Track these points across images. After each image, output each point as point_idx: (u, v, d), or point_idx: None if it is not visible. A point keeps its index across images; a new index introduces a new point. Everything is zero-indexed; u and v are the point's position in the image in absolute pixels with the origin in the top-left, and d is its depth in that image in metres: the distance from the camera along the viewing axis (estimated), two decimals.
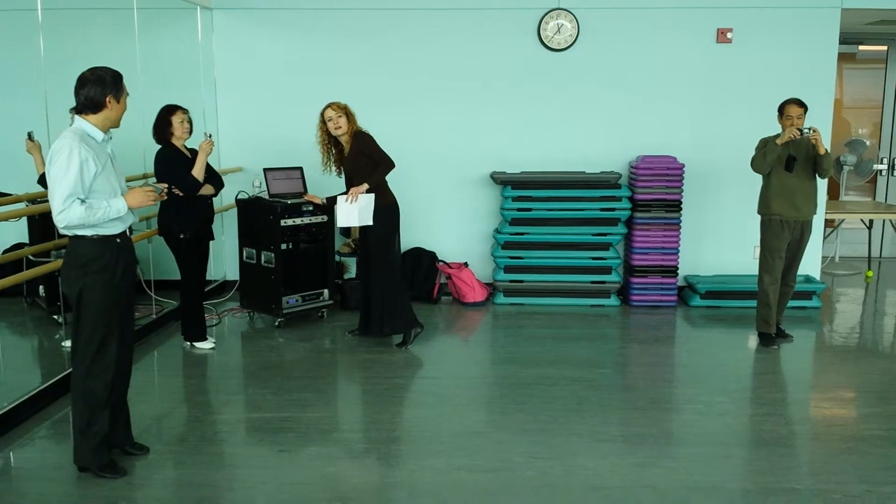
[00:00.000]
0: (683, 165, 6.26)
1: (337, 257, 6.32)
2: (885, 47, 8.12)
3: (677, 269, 6.38)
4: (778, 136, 5.09)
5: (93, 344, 3.33)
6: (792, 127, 5.02)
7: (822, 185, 5.30)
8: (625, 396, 4.52)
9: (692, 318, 6.15)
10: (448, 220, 6.66)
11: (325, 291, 5.92)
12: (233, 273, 6.51)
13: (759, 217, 5.33)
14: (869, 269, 7.59)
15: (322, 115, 5.10)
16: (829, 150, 5.10)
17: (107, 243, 3.32)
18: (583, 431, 3.97)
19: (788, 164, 5.09)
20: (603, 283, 6.37)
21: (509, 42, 6.45)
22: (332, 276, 6.01)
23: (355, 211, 5.06)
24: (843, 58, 8.13)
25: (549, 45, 6.41)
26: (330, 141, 5.17)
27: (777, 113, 5.18)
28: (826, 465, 3.66)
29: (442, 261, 6.56)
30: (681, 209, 6.31)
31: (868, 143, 7.92)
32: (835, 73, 6.45)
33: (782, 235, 5.21)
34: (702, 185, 6.51)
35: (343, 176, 5.27)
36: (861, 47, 8.17)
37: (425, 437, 3.95)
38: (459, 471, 3.56)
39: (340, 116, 5.06)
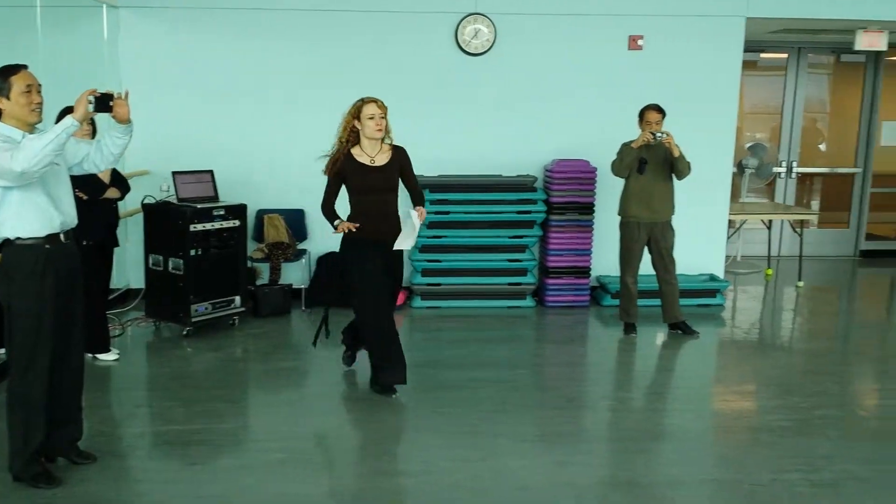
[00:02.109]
0: (596, 169, 6.39)
1: (249, 262, 6.15)
2: (785, 55, 8.51)
3: (590, 269, 6.50)
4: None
5: (24, 351, 3.22)
6: (646, 131, 5.25)
7: (679, 186, 5.61)
8: (543, 396, 4.57)
9: (604, 317, 6.28)
10: None
11: (237, 298, 5.75)
12: (137, 281, 6.25)
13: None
14: (769, 267, 7.94)
15: (360, 109, 4.32)
16: (682, 153, 5.33)
17: (32, 249, 3.18)
18: (506, 432, 3.97)
19: (640, 166, 5.36)
20: (519, 284, 6.43)
21: (427, 46, 6.44)
22: (245, 282, 5.85)
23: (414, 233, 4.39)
24: (745, 65, 8.48)
25: (466, 49, 6.43)
26: (349, 141, 4.36)
27: (638, 118, 5.41)
28: (734, 456, 3.80)
29: None
30: (593, 211, 6.44)
31: (769, 146, 8.29)
32: (739, 79, 6.71)
33: (638, 237, 5.48)
34: (613, 188, 6.62)
35: (349, 183, 4.37)
36: (763, 55, 8.54)
37: (347, 444, 3.90)
38: (384, 476, 3.52)
39: (384, 117, 4.35)
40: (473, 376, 4.80)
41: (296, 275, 6.42)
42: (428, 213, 6.23)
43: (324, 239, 6.50)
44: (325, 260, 6.42)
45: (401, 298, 6.36)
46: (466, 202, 6.31)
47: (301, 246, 6.45)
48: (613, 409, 4.39)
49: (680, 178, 5.44)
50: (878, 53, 8.22)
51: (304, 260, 6.38)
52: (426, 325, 6.04)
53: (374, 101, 4.33)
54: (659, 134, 5.24)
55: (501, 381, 4.72)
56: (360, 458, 3.70)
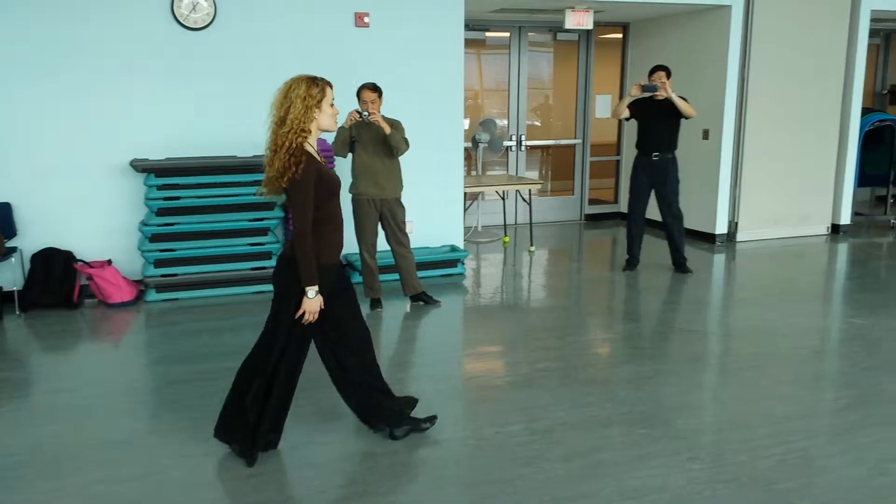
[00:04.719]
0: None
1: None
2: (508, 34, 9.02)
3: None
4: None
5: None
6: (353, 111, 5.38)
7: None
8: None
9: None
10: (84, 215, 6.05)
11: None
12: None
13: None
14: (505, 235, 8.45)
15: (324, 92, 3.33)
16: (394, 131, 5.43)
17: None
18: None
19: (353, 144, 5.50)
20: (263, 269, 6.28)
21: (142, 19, 6.01)
22: None
23: None
24: (476, 44, 8.91)
25: (185, 23, 6.09)
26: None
27: (356, 97, 5.49)
28: (464, 415, 4.00)
29: (81, 260, 5.96)
30: None
31: (499, 122, 8.79)
32: (462, 55, 6.99)
33: (370, 213, 5.62)
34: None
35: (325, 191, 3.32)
36: (488, 33, 8.99)
37: (61, 456, 3.56)
38: (100, 484, 3.27)
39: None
40: (209, 368, 4.61)
41: (5, 276, 5.77)
42: (156, 199, 5.92)
43: (38, 234, 5.92)
44: (41, 257, 5.83)
45: (132, 293, 5.96)
46: (199, 185, 6.02)
47: (10, 243, 5.80)
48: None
49: (395, 154, 5.54)
50: (588, 32, 9.00)
51: (13, 259, 5.73)
52: (163, 318, 5.69)
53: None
54: (365, 113, 5.32)
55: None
56: (74, 469, 3.40)
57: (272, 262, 6.27)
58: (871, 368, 4.57)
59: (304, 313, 3.31)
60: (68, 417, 3.99)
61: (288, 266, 3.33)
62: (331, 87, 3.34)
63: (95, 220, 6.08)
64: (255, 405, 3.40)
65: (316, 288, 3.28)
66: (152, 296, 6.02)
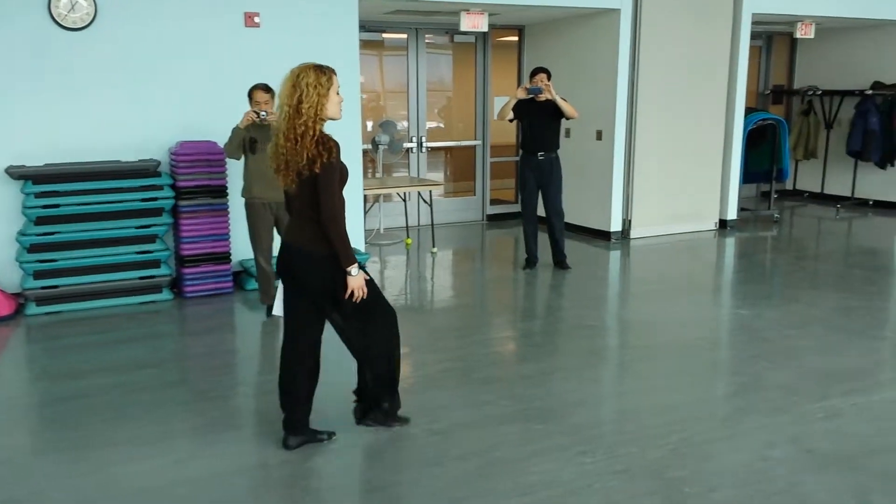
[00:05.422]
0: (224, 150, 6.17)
1: None
2: (405, 35, 8.99)
3: (230, 255, 6.31)
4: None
5: None
6: (250, 111, 5.28)
7: None
8: (171, 393, 4.30)
9: (250, 302, 6.15)
10: None
11: None
12: None
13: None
14: (408, 236, 8.42)
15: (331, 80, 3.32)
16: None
17: None
18: (121, 439, 3.67)
19: (251, 146, 5.38)
20: (152, 277, 6.03)
21: (17, 18, 5.65)
22: None
23: None
24: (374, 45, 8.84)
25: (63, 23, 5.77)
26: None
27: (247, 98, 5.38)
28: None
29: None
30: (227, 194, 6.24)
31: (399, 124, 8.74)
32: (357, 57, 6.90)
33: (266, 216, 5.48)
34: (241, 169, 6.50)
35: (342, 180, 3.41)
36: (384, 35, 8.93)
37: None
38: None
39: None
40: (92, 383, 4.37)
41: None
42: (35, 207, 5.60)
43: None
44: None
45: (10, 307, 5.62)
46: (80, 192, 5.71)
47: None
48: (247, 395, 4.30)
49: None
50: (484, 34, 9.06)
51: None
52: (44, 333, 5.38)
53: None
54: (263, 113, 5.20)
55: (125, 385, 4.36)
56: None
57: (161, 271, 6.04)
58: (755, 357, 4.76)
59: (352, 293, 3.34)
60: None
61: (315, 261, 3.35)
62: (335, 74, 3.33)
63: None
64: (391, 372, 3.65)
65: (357, 265, 3.33)
66: (32, 309, 5.67)
